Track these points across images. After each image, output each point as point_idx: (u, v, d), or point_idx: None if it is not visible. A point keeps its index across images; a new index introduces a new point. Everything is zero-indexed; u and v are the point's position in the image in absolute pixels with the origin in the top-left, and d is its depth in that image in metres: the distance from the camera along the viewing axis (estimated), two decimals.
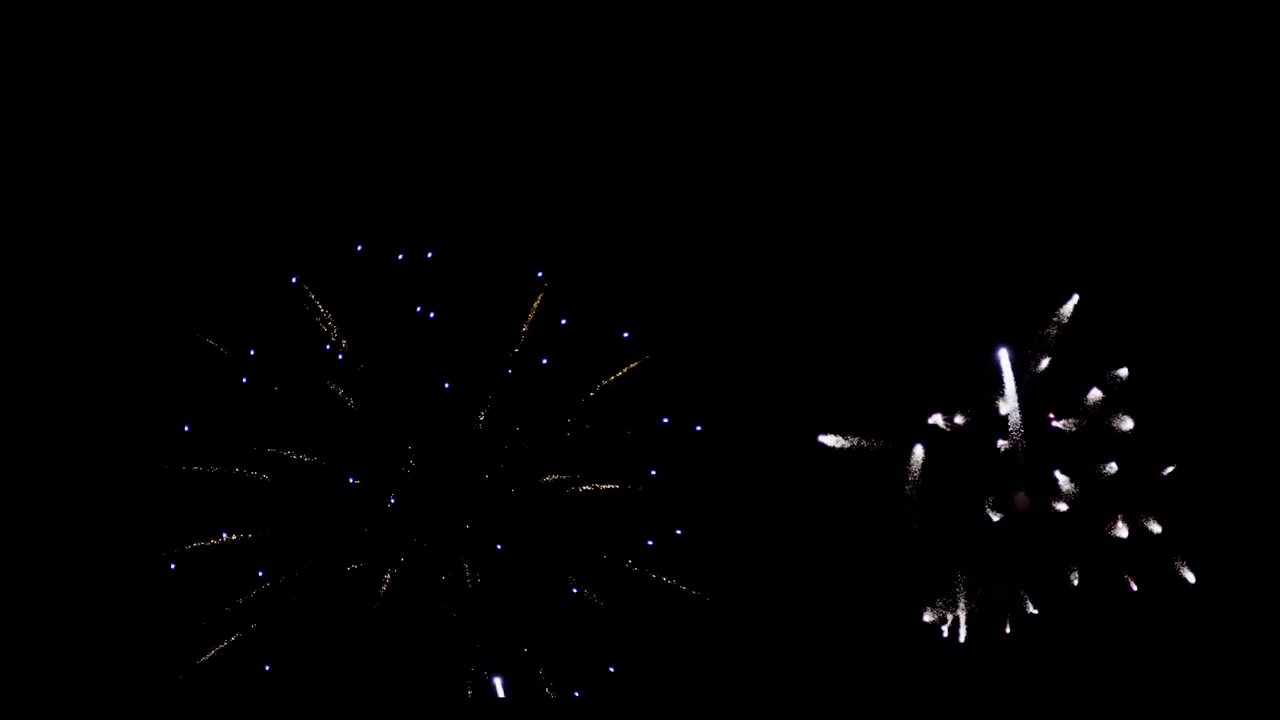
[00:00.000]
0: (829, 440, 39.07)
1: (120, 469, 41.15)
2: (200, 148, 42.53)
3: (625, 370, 40.82)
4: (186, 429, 40.80)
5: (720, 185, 41.82)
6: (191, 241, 42.36)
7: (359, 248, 41.25)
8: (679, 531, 40.74)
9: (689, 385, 41.36)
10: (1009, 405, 38.56)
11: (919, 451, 39.06)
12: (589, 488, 40.88)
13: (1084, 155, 40.66)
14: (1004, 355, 38.67)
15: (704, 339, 41.61)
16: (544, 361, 41.21)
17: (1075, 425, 38.85)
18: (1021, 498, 38.89)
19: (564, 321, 41.25)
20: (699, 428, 41.07)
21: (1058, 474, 38.87)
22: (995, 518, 38.81)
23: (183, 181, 42.52)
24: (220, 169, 42.53)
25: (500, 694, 39.63)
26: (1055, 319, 38.67)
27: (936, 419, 39.45)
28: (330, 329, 41.13)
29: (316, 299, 41.04)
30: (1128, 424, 38.64)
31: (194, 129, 42.35)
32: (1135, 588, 39.27)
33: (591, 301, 41.14)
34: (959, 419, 39.09)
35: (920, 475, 38.97)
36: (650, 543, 40.91)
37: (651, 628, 40.92)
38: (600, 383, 41.16)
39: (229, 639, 40.52)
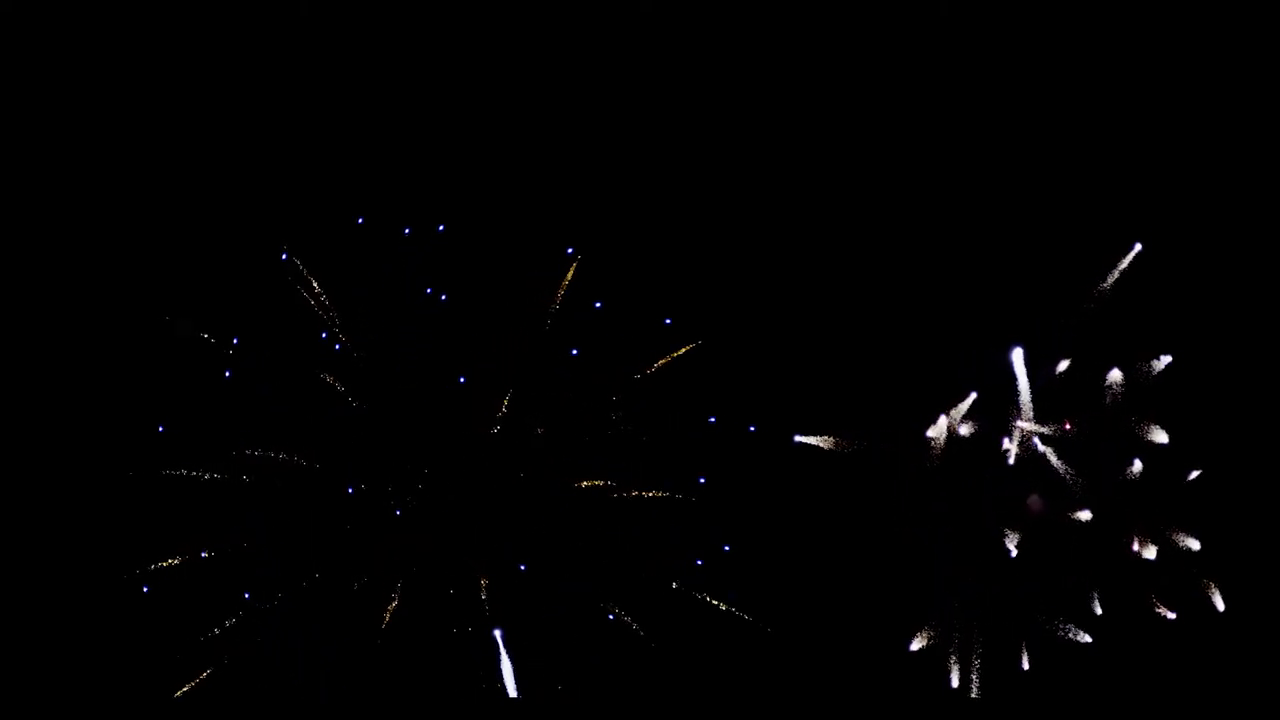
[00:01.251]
0: (811, 441, 37.90)
1: (82, 476, 38.49)
2: (170, 97, 39.47)
3: (667, 360, 38.39)
4: (160, 429, 38.24)
5: (763, 149, 39.45)
6: (162, 209, 39.22)
7: (359, 220, 38.79)
8: (726, 548, 38.32)
9: (740, 379, 38.83)
10: (1023, 412, 37.20)
11: (943, 424, 37.36)
12: (624, 496, 38.54)
13: (1104, 141, 38.67)
14: (1018, 356, 37.12)
15: (757, 325, 38.96)
16: (574, 352, 38.65)
17: (1092, 428, 37.37)
18: (1035, 500, 37.29)
19: (597, 305, 38.49)
20: (753, 428, 38.47)
21: (1058, 463, 37.37)
22: (1013, 548, 37.16)
23: (150, 138, 39.38)
24: (196, 124, 39.33)
25: (511, 692, 37.80)
26: (1113, 273, 37.01)
27: (954, 413, 37.72)
28: (327, 313, 38.85)
29: (311, 278, 38.67)
30: (1161, 436, 37.12)
31: (157, 74, 39.46)
32: (1172, 615, 37.34)
33: (628, 281, 38.58)
34: (964, 429, 37.47)
35: (945, 449, 37.33)
36: (699, 561, 38.34)
37: (700, 659, 38.57)
38: (638, 375, 38.68)
39: (208, 671, 38.15)
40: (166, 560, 37.81)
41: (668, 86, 39.38)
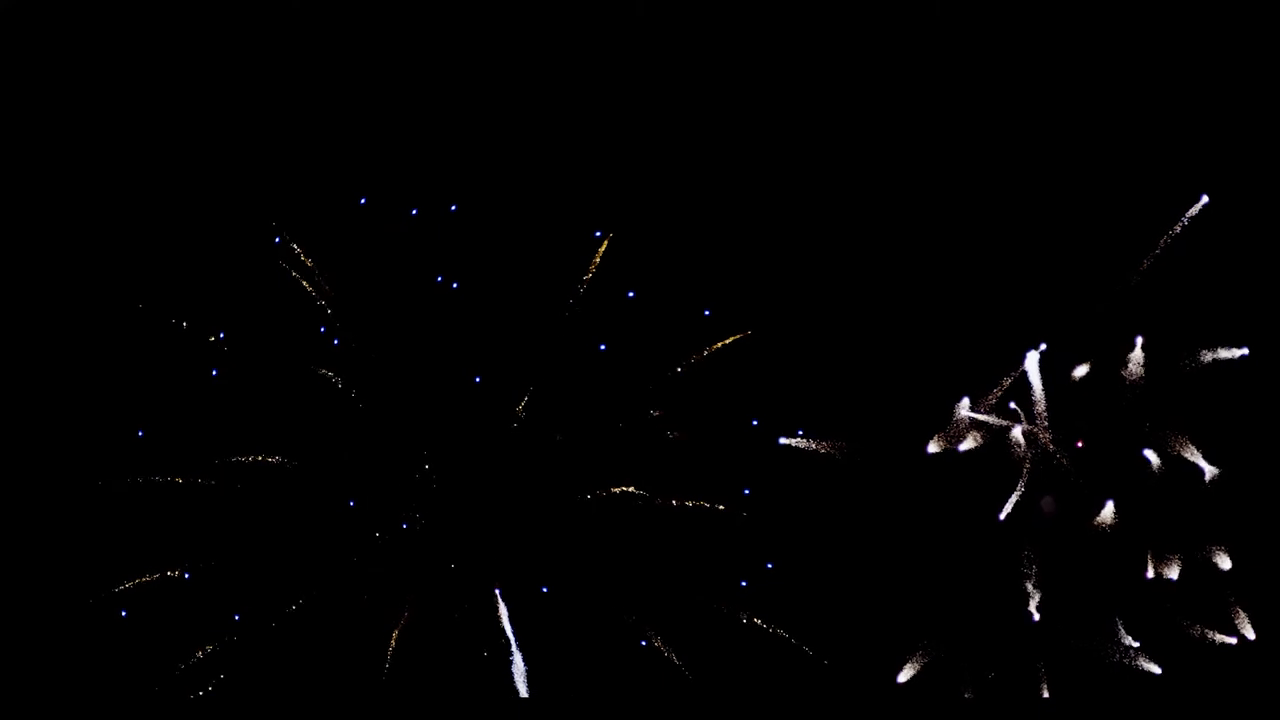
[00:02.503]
0: (796, 443, 37.43)
1: (50, 488, 37.58)
2: (144, 54, 38.33)
3: (709, 353, 37.45)
4: (140, 434, 37.28)
5: (791, 127, 38.38)
6: (138, 184, 38.06)
7: (361, 200, 37.70)
8: (770, 565, 37.35)
9: (790, 376, 37.78)
10: (1039, 422, 36.84)
11: (966, 404, 36.75)
12: (657, 506, 37.48)
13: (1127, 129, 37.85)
14: (1033, 360, 36.57)
15: (807, 317, 37.83)
16: (601, 347, 37.49)
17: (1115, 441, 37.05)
18: (1049, 502, 36.94)
19: (630, 295, 37.17)
20: (800, 432, 37.41)
21: (1074, 472, 36.94)
22: (1034, 605, 36.58)
23: (122, 100, 38.18)
24: (172, 86, 38.18)
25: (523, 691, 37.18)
26: (1181, 222, 36.46)
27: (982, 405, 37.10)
28: (325, 304, 37.77)
29: (307, 264, 37.66)
30: (1199, 458, 36.47)
31: (130, 35, 38.37)
32: (1234, 640, 36.54)
33: (662, 267, 37.47)
34: (968, 443, 37.07)
35: (968, 429, 36.85)
36: (744, 583, 37.26)
37: (743, 693, 37.44)
38: (673, 371, 37.61)
39: (191, 696, 37.12)
40: (145, 577, 37.06)
41: (706, 52, 38.55)
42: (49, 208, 37.95)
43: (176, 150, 38.06)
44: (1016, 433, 36.70)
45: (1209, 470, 36.49)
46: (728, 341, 37.17)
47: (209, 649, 36.92)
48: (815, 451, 37.29)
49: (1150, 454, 36.75)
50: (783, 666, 36.96)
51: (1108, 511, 36.53)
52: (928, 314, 37.53)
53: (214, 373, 37.41)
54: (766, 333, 37.40)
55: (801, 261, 37.90)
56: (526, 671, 37.24)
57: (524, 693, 36.97)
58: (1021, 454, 36.94)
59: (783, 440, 37.11)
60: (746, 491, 36.98)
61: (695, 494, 37.32)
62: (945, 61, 38.25)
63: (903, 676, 36.87)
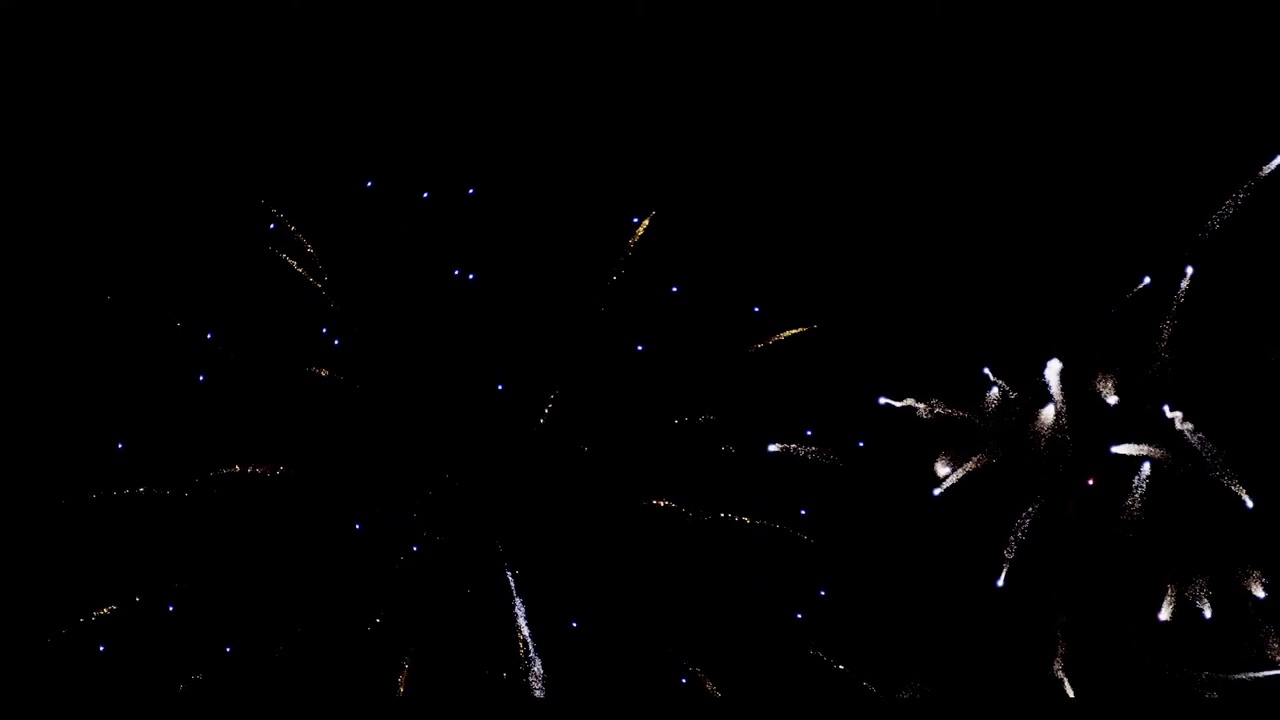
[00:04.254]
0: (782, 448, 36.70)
1: (15, 507, 36.43)
2: (131, 26, 36.89)
3: (757, 350, 36.43)
4: (120, 446, 36.42)
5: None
6: (118, 167, 36.83)
7: (368, 184, 36.98)
8: (822, 593, 36.24)
9: (846, 381, 36.73)
10: (1058, 447, 36.32)
11: (994, 394, 36.36)
12: (700, 522, 36.35)
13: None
14: (1053, 370, 36.03)
15: (869, 312, 36.82)
16: (639, 348, 36.37)
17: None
18: (1071, 506, 36.46)
19: (674, 289, 36.22)
20: (861, 444, 36.34)
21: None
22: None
23: (104, 74, 36.86)
24: (162, 57, 36.93)
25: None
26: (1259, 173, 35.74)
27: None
28: (327, 296, 36.99)
29: (307, 254, 36.92)
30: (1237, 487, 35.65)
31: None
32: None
33: (706, 256, 36.57)
34: (964, 468, 36.36)
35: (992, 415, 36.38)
36: (799, 615, 35.98)
37: None
38: (718, 373, 36.75)
39: None
40: (124, 604, 36.14)
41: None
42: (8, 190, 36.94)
43: (154, 123, 37.34)
44: (1048, 412, 35.86)
45: (1246, 496, 35.60)
46: (784, 336, 36.25)
47: (197, 685, 35.89)
48: (828, 462, 36.43)
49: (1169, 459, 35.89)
50: (841, 706, 35.88)
51: (1143, 474, 35.60)
52: (952, 319, 36.86)
53: (200, 378, 36.60)
54: (823, 332, 36.48)
55: (848, 254, 36.88)
56: (555, 713, 35.94)
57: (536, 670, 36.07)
58: (1043, 449, 36.13)
59: (772, 447, 36.40)
60: (804, 512, 35.86)
61: (741, 511, 36.12)
62: (969, 66, 37.49)
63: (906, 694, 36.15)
